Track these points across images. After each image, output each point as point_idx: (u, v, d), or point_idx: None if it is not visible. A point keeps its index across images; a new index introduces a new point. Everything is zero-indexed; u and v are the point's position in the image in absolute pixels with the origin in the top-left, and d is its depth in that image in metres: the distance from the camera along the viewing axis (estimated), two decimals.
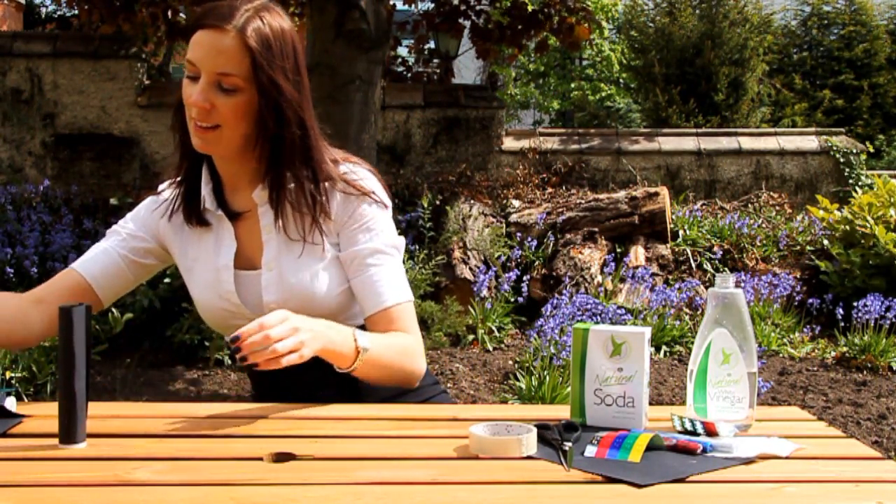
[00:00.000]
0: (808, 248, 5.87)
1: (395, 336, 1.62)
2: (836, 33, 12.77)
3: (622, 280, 5.19)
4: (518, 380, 4.07)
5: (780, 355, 4.79)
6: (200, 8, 1.61)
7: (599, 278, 5.19)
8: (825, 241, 5.69)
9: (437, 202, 5.85)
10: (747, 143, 7.60)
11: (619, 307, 4.51)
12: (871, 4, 12.71)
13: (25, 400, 3.58)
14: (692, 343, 1.79)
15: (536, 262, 5.50)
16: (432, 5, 7.54)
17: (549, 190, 6.87)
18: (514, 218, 5.93)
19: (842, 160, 7.45)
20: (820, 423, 1.52)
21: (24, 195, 6.17)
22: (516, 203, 6.30)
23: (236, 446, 1.30)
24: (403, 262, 1.77)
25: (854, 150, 7.51)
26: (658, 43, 9.96)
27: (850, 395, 4.14)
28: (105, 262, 1.71)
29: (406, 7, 8.16)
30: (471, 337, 4.86)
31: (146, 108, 6.92)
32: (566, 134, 7.83)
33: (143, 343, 4.60)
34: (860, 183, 7.27)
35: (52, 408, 1.35)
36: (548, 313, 4.27)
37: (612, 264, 5.30)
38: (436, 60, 8.84)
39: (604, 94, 14.40)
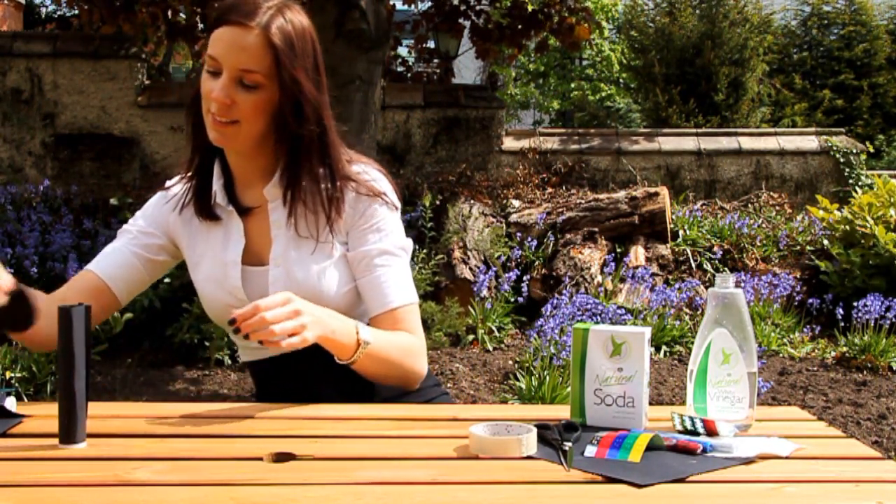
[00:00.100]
0: (808, 248, 5.87)
1: (398, 334, 1.62)
2: (836, 33, 12.76)
3: (622, 280, 5.19)
4: (518, 380, 4.07)
5: (780, 355, 4.79)
6: (222, 4, 1.61)
7: (599, 278, 5.19)
8: (825, 241, 5.69)
9: (437, 202, 5.85)
10: (747, 143, 7.60)
11: (619, 307, 4.51)
12: (871, 4, 12.70)
13: (25, 400, 3.58)
14: (692, 343, 1.79)
15: (536, 262, 5.50)
16: (432, 5, 7.54)
17: (549, 190, 6.87)
18: (514, 218, 5.93)
19: (842, 160, 7.46)
20: (820, 423, 1.52)
21: (24, 195, 6.17)
22: (516, 203, 6.30)
23: (236, 446, 1.30)
24: None
25: (854, 150, 7.51)
26: (658, 43, 9.96)
27: (850, 395, 4.14)
28: (119, 262, 1.72)
29: (406, 7, 8.16)
30: (471, 337, 4.86)
31: (146, 108, 6.92)
32: (566, 134, 7.83)
33: (143, 343, 4.60)
34: (860, 183, 7.27)
35: (52, 408, 1.35)
36: (548, 313, 4.27)
37: (612, 264, 5.30)
38: (436, 60, 8.84)
39: (604, 94, 14.40)
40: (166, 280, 4.56)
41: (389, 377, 1.63)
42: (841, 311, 4.88)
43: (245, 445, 1.30)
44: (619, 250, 5.60)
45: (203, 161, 1.71)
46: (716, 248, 5.90)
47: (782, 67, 12.55)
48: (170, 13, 6.94)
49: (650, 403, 1.43)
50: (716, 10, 9.90)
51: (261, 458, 1.24)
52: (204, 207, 1.70)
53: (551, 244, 5.64)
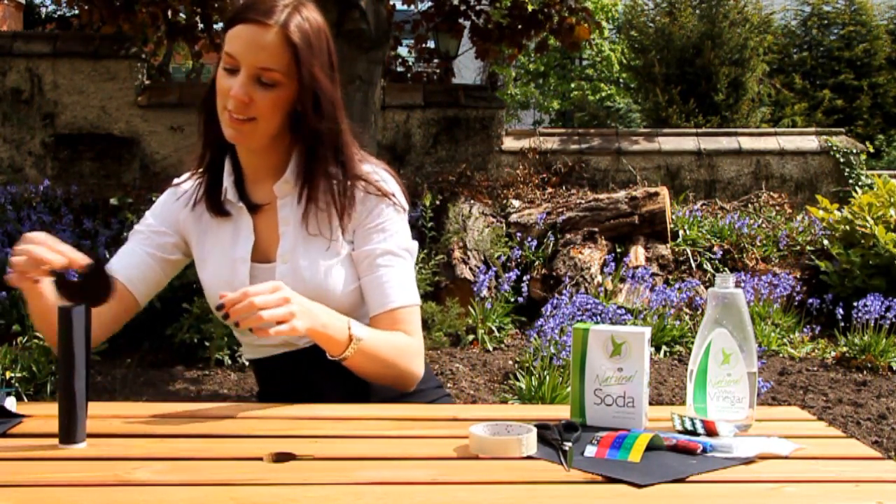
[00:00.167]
0: (808, 248, 5.87)
1: (394, 334, 1.62)
2: (836, 33, 12.77)
3: (622, 280, 5.19)
4: (518, 380, 4.07)
5: (780, 355, 4.79)
6: (238, 2, 1.62)
7: (599, 278, 5.19)
8: (825, 241, 5.69)
9: (438, 202, 5.85)
10: (747, 143, 7.60)
11: (619, 307, 4.51)
12: (871, 4, 12.71)
13: (25, 400, 3.58)
14: (692, 343, 1.79)
15: (536, 262, 5.50)
16: (432, 5, 7.55)
17: (549, 190, 6.87)
18: (514, 218, 5.93)
19: (842, 160, 7.45)
20: (820, 423, 1.52)
21: (24, 195, 6.17)
22: (516, 203, 6.30)
23: (236, 446, 1.30)
24: None
25: (854, 150, 7.51)
26: (658, 43, 9.96)
27: (850, 395, 4.14)
28: (135, 263, 1.72)
29: (406, 7, 8.16)
30: (471, 337, 4.86)
31: (146, 108, 6.92)
32: (566, 134, 7.83)
33: (143, 343, 4.60)
34: (860, 183, 7.26)
35: (52, 408, 1.35)
36: (548, 313, 4.27)
37: (612, 264, 5.30)
38: (436, 60, 8.84)
39: (604, 94, 14.41)
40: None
41: (383, 376, 1.62)
42: (841, 311, 4.88)
43: (245, 445, 1.30)
44: (619, 250, 5.60)
45: (214, 157, 1.71)
46: (716, 248, 5.90)
47: (782, 67, 12.55)
48: (170, 13, 6.94)
49: (650, 403, 1.43)
50: (716, 10, 9.90)
51: (261, 458, 1.24)
52: (215, 203, 1.71)
53: (551, 244, 5.64)
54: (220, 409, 1.54)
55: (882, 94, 12.24)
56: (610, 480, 1.17)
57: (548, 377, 3.86)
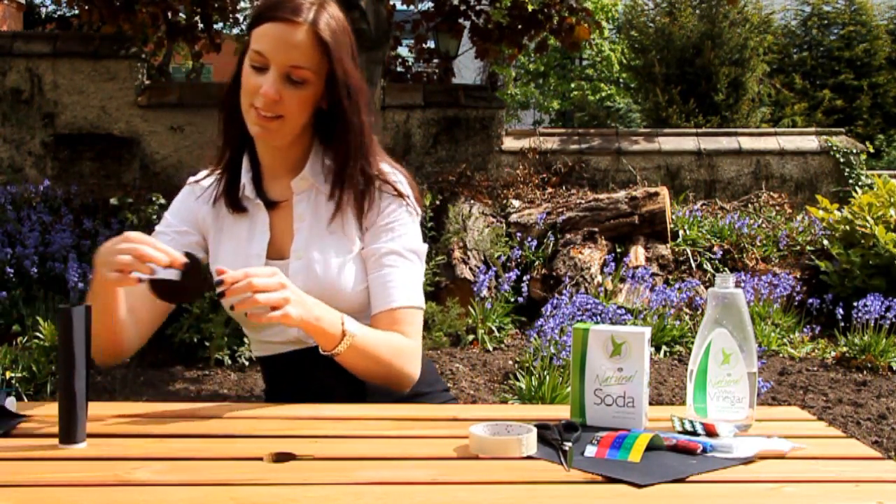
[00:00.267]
0: (808, 248, 5.87)
1: (390, 334, 1.61)
2: (836, 33, 12.78)
3: (622, 280, 5.19)
4: (518, 380, 4.07)
5: (780, 355, 4.79)
6: (264, 1, 1.63)
7: (599, 278, 5.19)
8: (825, 241, 5.69)
9: (438, 202, 5.85)
10: (747, 143, 7.60)
11: (619, 307, 4.51)
12: (871, 4, 12.72)
13: (25, 400, 3.58)
14: (692, 343, 1.79)
15: (536, 262, 5.50)
16: (432, 5, 7.54)
17: (549, 190, 6.87)
18: (514, 218, 5.93)
19: (842, 160, 7.45)
20: (820, 423, 1.52)
21: (24, 195, 6.17)
22: (516, 203, 6.30)
23: (236, 446, 1.30)
24: None
25: (854, 150, 7.51)
26: (658, 43, 9.97)
27: (850, 395, 4.14)
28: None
29: (406, 7, 8.16)
30: (471, 337, 4.86)
31: (146, 108, 6.92)
32: (566, 134, 7.83)
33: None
34: (860, 183, 7.26)
35: (52, 408, 1.35)
36: (548, 313, 4.27)
37: (612, 264, 5.30)
38: (436, 60, 8.84)
39: (604, 94, 14.41)
40: None
41: (376, 374, 1.61)
42: (841, 311, 4.88)
43: (245, 445, 1.30)
44: (619, 250, 5.60)
45: (232, 154, 1.72)
46: (716, 248, 5.90)
47: (782, 67, 12.56)
48: (170, 13, 6.94)
49: (650, 403, 1.43)
50: (716, 10, 9.90)
51: (261, 458, 1.24)
52: (233, 200, 1.71)
53: (551, 244, 5.64)
54: (220, 409, 1.54)
55: (882, 94, 12.24)
56: (610, 480, 1.17)
57: (548, 377, 3.87)
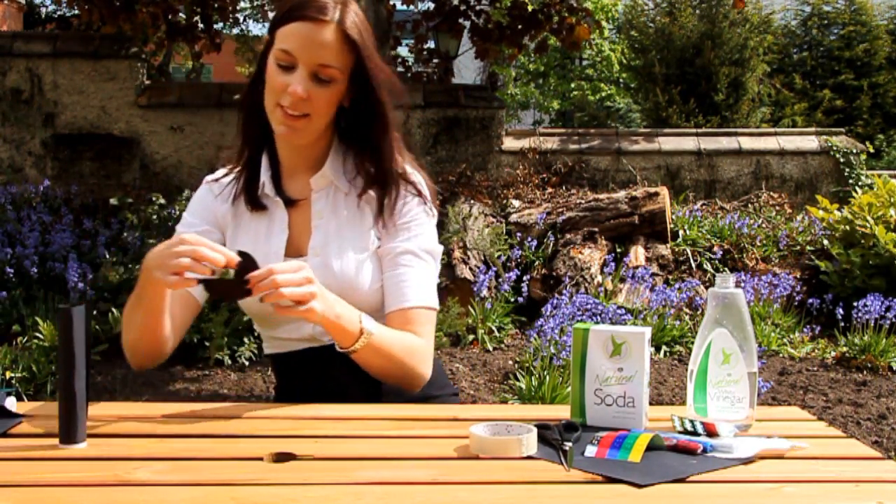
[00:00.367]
0: (808, 248, 5.87)
1: (404, 333, 1.62)
2: (836, 33, 12.78)
3: (622, 280, 5.19)
4: (518, 380, 4.07)
5: (780, 355, 4.79)
6: (288, 1, 1.64)
7: (599, 278, 5.18)
8: (825, 241, 5.69)
9: (437, 202, 5.85)
10: (747, 143, 7.60)
11: (619, 307, 4.51)
12: (871, 4, 12.72)
13: (25, 400, 3.58)
14: (692, 343, 1.79)
15: (536, 262, 5.50)
16: (432, 5, 7.55)
17: (549, 190, 6.87)
18: (514, 218, 5.93)
19: (842, 160, 7.46)
20: (820, 423, 1.52)
21: (24, 195, 6.17)
22: (516, 203, 6.30)
23: (236, 446, 1.30)
24: None
25: (854, 150, 7.51)
26: (658, 43, 9.97)
27: (850, 395, 4.14)
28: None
29: (406, 7, 8.17)
30: (471, 337, 4.86)
31: (146, 108, 6.92)
32: (566, 134, 7.83)
33: None
34: (860, 183, 7.27)
35: (52, 408, 1.35)
36: (548, 313, 4.27)
37: (612, 264, 5.29)
38: (436, 60, 8.84)
39: (604, 94, 14.42)
40: None
41: (390, 373, 1.62)
42: (841, 311, 4.88)
43: (245, 445, 1.30)
44: (619, 250, 5.60)
45: (253, 153, 1.73)
46: (716, 248, 5.90)
47: (782, 67, 12.57)
48: (170, 13, 6.95)
49: (650, 403, 1.43)
50: (716, 10, 9.91)
51: (261, 458, 1.24)
52: (252, 198, 1.72)
53: (551, 244, 5.64)
54: (220, 409, 1.54)
55: (882, 94, 12.25)
56: (610, 480, 1.17)
57: (548, 377, 3.86)
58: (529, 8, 6.43)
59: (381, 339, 1.56)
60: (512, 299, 5.10)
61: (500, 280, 5.09)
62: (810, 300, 5.20)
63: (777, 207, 6.92)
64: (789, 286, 5.30)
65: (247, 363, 4.40)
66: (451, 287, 5.04)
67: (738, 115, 9.70)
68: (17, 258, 5.02)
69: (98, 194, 6.55)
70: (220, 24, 7.79)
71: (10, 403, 1.45)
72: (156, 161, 6.91)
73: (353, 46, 1.60)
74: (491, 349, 4.76)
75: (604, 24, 11.46)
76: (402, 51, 9.01)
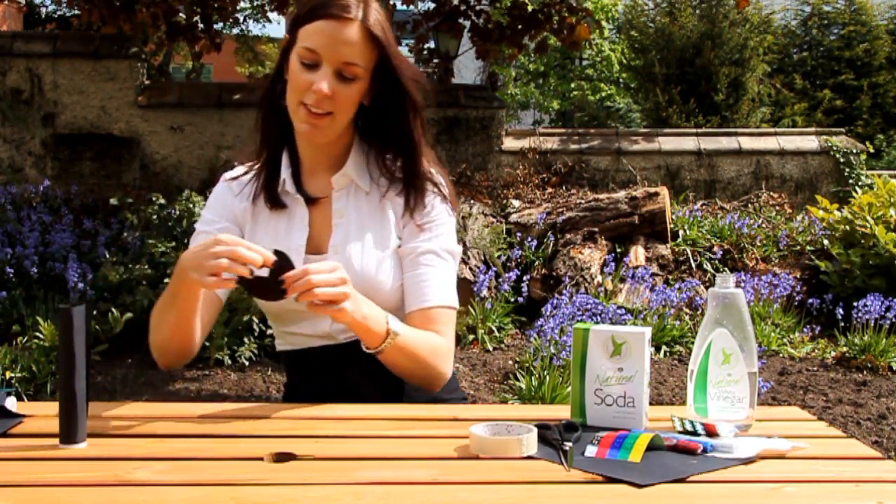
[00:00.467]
0: (808, 248, 5.87)
1: (427, 333, 1.63)
2: (836, 33, 12.78)
3: (622, 280, 5.19)
4: (518, 380, 4.07)
5: (780, 355, 4.79)
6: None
7: (599, 278, 5.18)
8: (825, 241, 5.69)
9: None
10: (747, 143, 7.60)
11: (619, 307, 4.51)
12: (871, 4, 12.72)
13: (25, 400, 3.58)
14: (692, 343, 1.79)
15: (536, 262, 5.50)
16: (432, 5, 7.54)
17: (549, 190, 6.87)
18: (514, 218, 5.93)
19: (842, 160, 7.46)
20: (820, 423, 1.52)
21: (24, 195, 6.17)
22: (516, 203, 6.29)
23: (236, 446, 1.30)
24: None
25: (854, 150, 7.51)
26: (658, 43, 9.97)
27: (850, 395, 4.14)
28: None
29: (406, 7, 8.16)
30: (471, 337, 4.86)
31: (146, 108, 6.92)
32: (566, 134, 7.82)
33: (143, 343, 4.59)
34: (860, 183, 7.27)
35: (52, 408, 1.35)
36: (548, 313, 4.27)
37: (612, 264, 5.29)
38: (436, 60, 8.84)
39: (604, 94, 14.41)
40: (166, 280, 4.56)
41: (414, 374, 1.62)
42: (841, 311, 4.88)
43: (245, 445, 1.30)
44: (619, 250, 5.60)
45: (271, 151, 1.73)
46: (716, 248, 5.90)
47: (782, 67, 12.56)
48: (170, 13, 6.94)
49: (650, 403, 1.43)
50: (716, 10, 9.91)
51: (261, 458, 1.24)
52: (272, 196, 1.72)
53: (551, 244, 5.64)
54: (220, 409, 1.54)
55: (882, 94, 12.24)
56: (610, 480, 1.17)
57: (548, 377, 3.87)
58: (529, 8, 6.42)
59: (406, 340, 1.56)
60: (512, 299, 5.10)
61: (500, 280, 5.09)
62: (810, 300, 5.20)
63: (777, 207, 6.92)
64: (789, 286, 5.30)
65: (247, 363, 4.40)
66: None
67: (738, 115, 9.70)
68: (17, 258, 5.02)
69: (98, 194, 6.54)
70: (220, 24, 7.79)
71: (10, 403, 1.45)
72: (156, 161, 6.91)
73: (377, 44, 1.61)
74: (491, 349, 4.76)
75: (604, 24, 11.45)
76: (402, 51, 9.00)
